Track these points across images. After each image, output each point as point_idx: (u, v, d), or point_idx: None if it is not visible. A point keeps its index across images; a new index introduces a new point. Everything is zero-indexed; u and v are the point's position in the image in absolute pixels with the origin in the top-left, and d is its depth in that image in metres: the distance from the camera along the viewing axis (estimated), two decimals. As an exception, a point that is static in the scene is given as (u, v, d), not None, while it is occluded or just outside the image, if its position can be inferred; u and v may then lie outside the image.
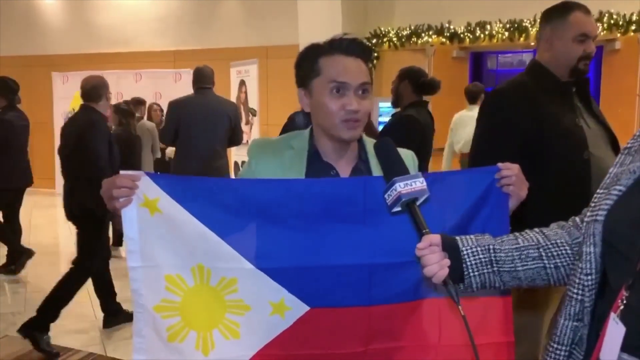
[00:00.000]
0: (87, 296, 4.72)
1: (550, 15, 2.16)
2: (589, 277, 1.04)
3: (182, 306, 1.38)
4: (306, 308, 1.38)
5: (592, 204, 1.07)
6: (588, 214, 1.07)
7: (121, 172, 1.35)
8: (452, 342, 1.40)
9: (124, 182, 1.32)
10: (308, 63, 1.46)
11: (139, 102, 6.79)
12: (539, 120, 2.06)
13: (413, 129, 3.40)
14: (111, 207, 1.34)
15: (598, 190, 1.08)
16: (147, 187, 1.33)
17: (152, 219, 1.34)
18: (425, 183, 1.16)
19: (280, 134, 4.81)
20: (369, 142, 1.54)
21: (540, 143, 2.05)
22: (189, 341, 1.39)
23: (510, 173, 1.38)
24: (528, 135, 2.05)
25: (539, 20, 2.26)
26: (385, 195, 1.17)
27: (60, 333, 3.89)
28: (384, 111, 7.27)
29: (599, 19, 6.57)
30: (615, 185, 1.04)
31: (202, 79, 4.71)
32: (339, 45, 1.44)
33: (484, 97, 2.17)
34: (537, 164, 1.39)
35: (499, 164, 1.40)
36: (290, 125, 4.48)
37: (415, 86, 3.57)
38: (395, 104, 3.76)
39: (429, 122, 3.60)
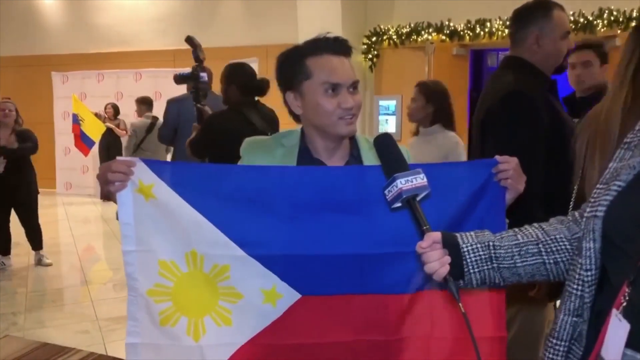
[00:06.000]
0: (88, 296, 4.74)
1: (533, 15, 2.11)
2: (589, 273, 1.04)
3: (174, 292, 1.40)
4: (298, 296, 1.39)
5: (592, 199, 1.07)
6: (587, 209, 1.07)
7: (117, 157, 1.38)
8: (445, 335, 1.40)
9: (119, 167, 1.35)
10: (294, 65, 1.46)
11: (144, 102, 6.67)
12: (551, 117, 2.03)
13: (210, 133, 3.26)
14: (106, 191, 1.37)
15: (598, 185, 1.07)
16: (143, 173, 1.36)
17: (147, 205, 1.36)
18: (426, 179, 1.15)
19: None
20: (363, 139, 1.55)
21: (556, 139, 2.00)
22: (180, 326, 1.41)
23: (508, 167, 1.38)
24: (548, 135, 2.00)
25: (512, 20, 2.19)
26: (386, 191, 1.16)
27: (61, 333, 3.91)
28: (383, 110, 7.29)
29: (599, 16, 6.56)
30: (615, 181, 1.03)
31: None
32: (326, 45, 1.44)
33: (499, 99, 2.01)
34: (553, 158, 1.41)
35: (497, 157, 1.40)
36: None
37: (242, 89, 3.41)
38: (225, 103, 3.55)
39: (242, 127, 3.15)
